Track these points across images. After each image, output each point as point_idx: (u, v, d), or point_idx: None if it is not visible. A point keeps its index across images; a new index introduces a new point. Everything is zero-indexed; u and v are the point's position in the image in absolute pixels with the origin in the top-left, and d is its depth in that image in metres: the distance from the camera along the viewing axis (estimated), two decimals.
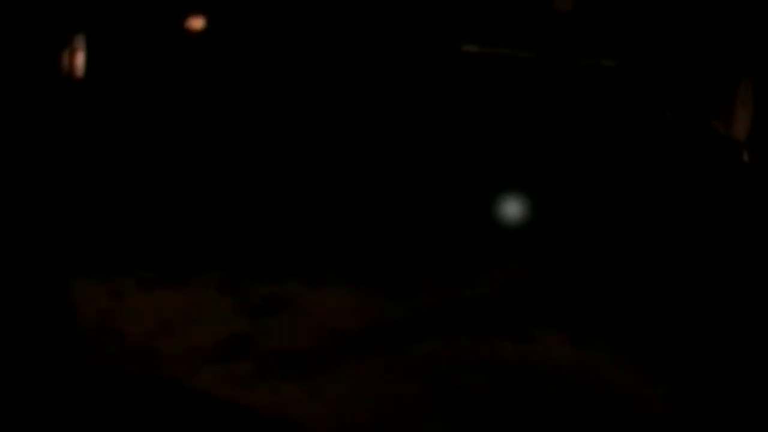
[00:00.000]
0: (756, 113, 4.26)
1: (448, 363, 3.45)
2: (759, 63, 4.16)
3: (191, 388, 3.16)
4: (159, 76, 4.76)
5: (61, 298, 2.89)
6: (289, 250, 4.27)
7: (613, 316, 3.88)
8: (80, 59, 2.93)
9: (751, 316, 3.70)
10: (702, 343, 3.64)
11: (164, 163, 4.73)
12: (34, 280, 2.81)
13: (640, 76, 5.09)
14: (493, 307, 3.91)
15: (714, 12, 4.84)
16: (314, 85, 4.99)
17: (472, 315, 3.84)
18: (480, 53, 5.17)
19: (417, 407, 3.17)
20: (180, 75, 4.81)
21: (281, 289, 3.90)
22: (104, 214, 4.25)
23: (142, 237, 4.27)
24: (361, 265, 4.18)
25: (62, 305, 2.88)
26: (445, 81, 5.14)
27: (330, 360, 3.42)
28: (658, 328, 3.79)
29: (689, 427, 3.14)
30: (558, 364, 3.48)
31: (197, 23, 4.74)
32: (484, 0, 5.17)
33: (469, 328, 3.72)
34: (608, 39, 5.13)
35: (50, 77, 2.77)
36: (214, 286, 3.89)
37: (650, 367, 3.49)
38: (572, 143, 5.05)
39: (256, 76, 4.95)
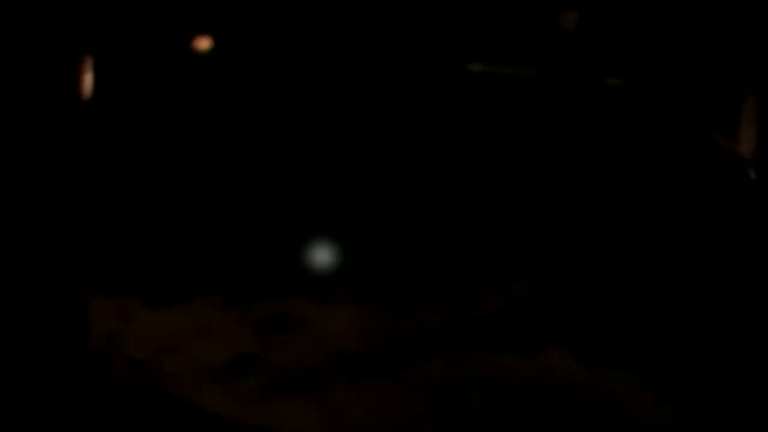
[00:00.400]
0: (760, 131, 4.26)
1: (454, 381, 3.44)
2: (761, 81, 4.17)
3: (197, 407, 3.16)
4: (165, 94, 4.78)
5: (77, 315, 2.90)
6: (293, 268, 4.27)
7: (619, 332, 3.87)
8: (88, 80, 2.96)
9: (760, 333, 3.69)
10: (711, 359, 3.62)
11: (168, 181, 4.74)
12: (52, 296, 2.82)
13: (645, 94, 5.10)
14: (498, 324, 3.91)
15: (718, 29, 4.85)
16: (319, 103, 5.01)
17: (478, 332, 3.84)
18: (485, 72, 5.18)
19: (423, 426, 3.17)
20: (185, 93, 4.84)
21: (286, 307, 3.90)
22: (108, 233, 4.26)
23: (146, 256, 4.28)
24: (366, 282, 4.18)
25: (77, 322, 2.90)
26: (450, 99, 5.16)
27: (336, 378, 3.42)
28: (665, 344, 3.78)
29: None
30: (564, 382, 3.47)
31: (204, 43, 4.77)
32: (489, 19, 5.19)
33: (474, 345, 3.72)
34: (613, 57, 5.15)
35: (64, 98, 2.79)
36: (219, 305, 3.89)
37: (658, 384, 3.48)
38: (577, 159, 5.05)
39: (262, 94, 4.97)
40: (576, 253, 4.61)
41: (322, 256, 4.34)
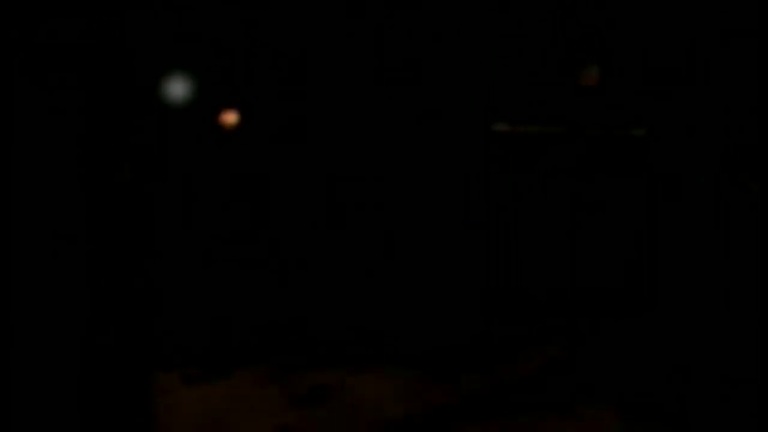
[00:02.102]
0: None
1: None
2: None
3: None
4: (194, 168, 4.84)
5: (143, 392, 2.92)
6: (329, 337, 4.29)
7: (660, 389, 3.84)
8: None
9: None
10: (753, 418, 3.59)
11: (201, 256, 4.78)
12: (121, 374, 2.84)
13: (671, 143, 5.11)
14: (536, 385, 3.89)
15: (743, 76, 4.87)
16: (350, 169, 5.05)
17: (516, 395, 3.82)
18: (509, 132, 5.22)
19: None
20: (215, 167, 4.89)
21: (324, 378, 3.91)
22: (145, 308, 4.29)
23: (182, 331, 4.31)
24: (402, 347, 4.19)
25: (144, 400, 2.91)
26: (476, 161, 5.19)
27: None
28: (707, 402, 3.74)
29: None
30: None
31: (231, 118, 4.83)
32: (513, 80, 5.24)
33: (514, 408, 3.71)
34: (636, 109, 5.17)
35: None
36: (258, 378, 3.91)
37: None
38: (607, 213, 5.05)
39: (292, 163, 5.02)
40: (610, 310, 4.60)
41: (357, 323, 4.35)
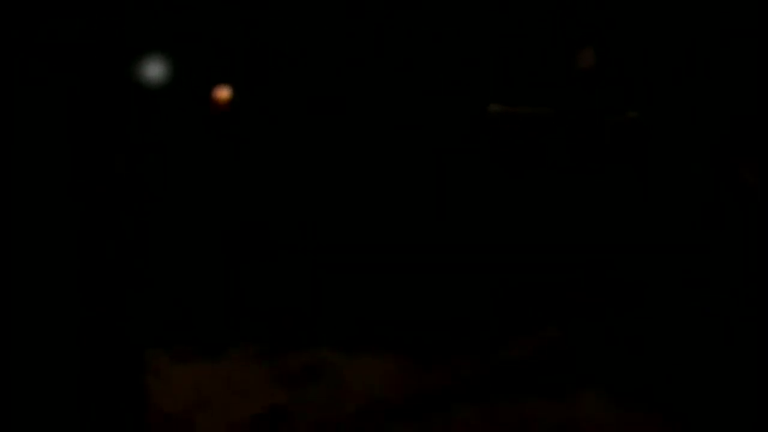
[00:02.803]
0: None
1: (487, 429, 3.42)
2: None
3: None
4: (186, 145, 4.81)
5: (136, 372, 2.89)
6: (322, 318, 4.27)
7: (654, 375, 3.85)
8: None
9: None
10: (747, 405, 3.59)
11: (193, 232, 4.76)
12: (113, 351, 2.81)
13: (666, 128, 5.10)
14: (529, 370, 3.89)
15: (740, 61, 4.86)
16: (342, 151, 5.03)
17: (509, 378, 3.82)
18: (503, 112, 5.19)
19: None
20: (208, 145, 4.86)
21: (317, 359, 3.90)
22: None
23: (173, 308, 4.28)
24: (395, 330, 4.18)
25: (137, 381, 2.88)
26: (469, 141, 5.17)
27: (367, 429, 3.40)
28: (699, 388, 3.75)
29: None
30: (599, 427, 3.45)
31: (224, 94, 4.79)
32: (508, 61, 5.21)
33: (506, 391, 3.70)
34: (633, 92, 5.15)
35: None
36: (250, 358, 3.89)
37: (692, 429, 3.45)
38: (602, 197, 5.05)
39: (284, 141, 4.99)
40: (605, 295, 4.60)
41: (349, 306, 4.34)
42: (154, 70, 4.32)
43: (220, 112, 4.76)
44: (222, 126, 4.79)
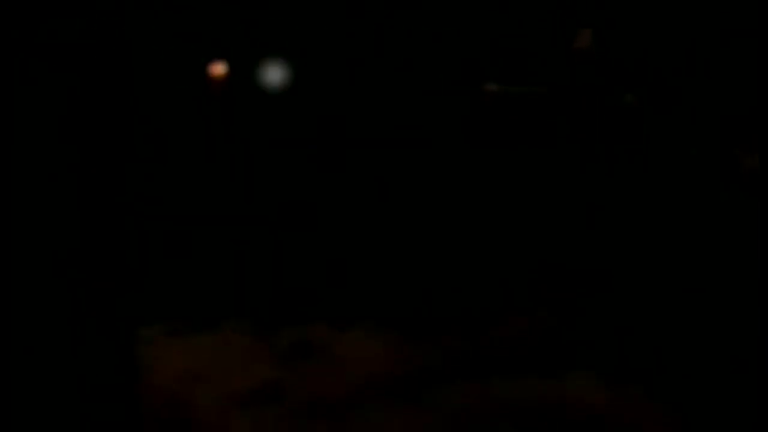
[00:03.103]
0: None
1: (479, 406, 3.44)
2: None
3: None
4: (185, 117, 4.80)
5: (127, 346, 2.90)
6: (316, 295, 4.29)
7: (644, 357, 3.87)
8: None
9: None
10: (737, 387, 3.62)
11: (188, 207, 4.76)
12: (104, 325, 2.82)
13: (662, 111, 5.10)
14: (521, 349, 3.91)
15: (736, 45, 4.86)
16: (338, 126, 5.03)
17: (501, 357, 3.84)
18: (500, 92, 5.20)
19: None
20: (206, 117, 4.86)
21: (310, 335, 3.92)
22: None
23: (168, 283, 4.30)
24: (388, 308, 4.19)
25: (128, 354, 2.90)
26: (465, 120, 5.17)
27: (360, 405, 3.42)
28: (690, 369, 3.77)
29: None
30: (589, 407, 3.47)
31: (219, 69, 4.79)
32: (503, 39, 5.20)
33: (497, 370, 3.72)
34: (629, 75, 5.16)
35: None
36: (244, 332, 3.91)
37: (682, 410, 3.47)
38: (596, 179, 5.06)
39: (276, 121, 4.99)
40: (596, 276, 4.61)
41: (344, 282, 4.35)
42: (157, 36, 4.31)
43: (217, 89, 4.76)
44: (219, 102, 4.79)
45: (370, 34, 5.06)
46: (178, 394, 3.43)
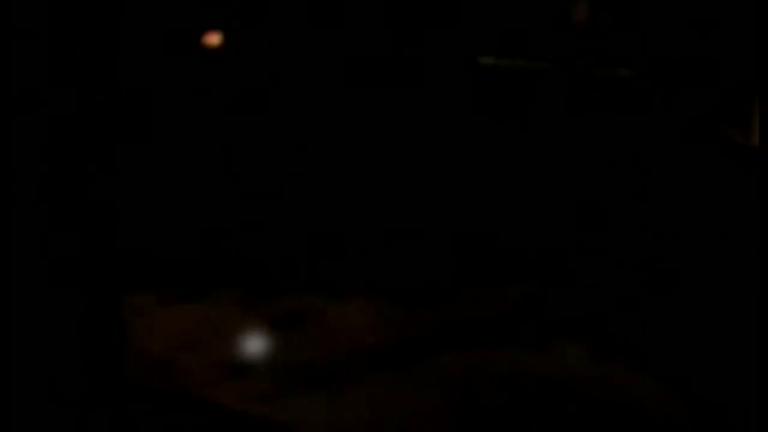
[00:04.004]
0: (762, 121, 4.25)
1: (469, 376, 3.45)
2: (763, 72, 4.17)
3: (214, 403, 3.18)
4: (176, 89, 4.80)
5: (113, 312, 2.91)
6: (308, 264, 4.29)
7: (630, 326, 3.88)
8: None
9: None
10: (721, 353, 3.63)
11: (180, 178, 4.76)
12: (89, 291, 2.83)
13: (657, 86, 5.09)
14: (511, 320, 3.92)
15: (732, 21, 4.85)
16: (332, 99, 5.02)
17: (491, 327, 3.85)
18: (495, 65, 5.19)
19: (438, 420, 3.18)
20: (198, 88, 4.85)
21: (301, 304, 3.92)
22: (120, 229, 4.28)
23: (160, 252, 4.29)
24: (379, 278, 4.20)
25: (114, 319, 2.91)
26: (461, 93, 5.16)
27: (351, 374, 3.43)
28: (676, 338, 3.79)
29: None
30: (577, 376, 3.48)
31: (214, 39, 4.77)
32: (500, 13, 5.19)
33: (487, 340, 3.73)
34: (625, 49, 5.14)
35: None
36: (234, 301, 3.91)
37: (669, 378, 3.48)
38: (588, 153, 5.05)
39: (272, 88, 4.98)
40: (587, 248, 4.62)
41: (336, 252, 4.35)
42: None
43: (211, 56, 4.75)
44: (214, 71, 4.78)
45: (367, 6, 5.04)
46: (169, 362, 3.44)
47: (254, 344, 3.62)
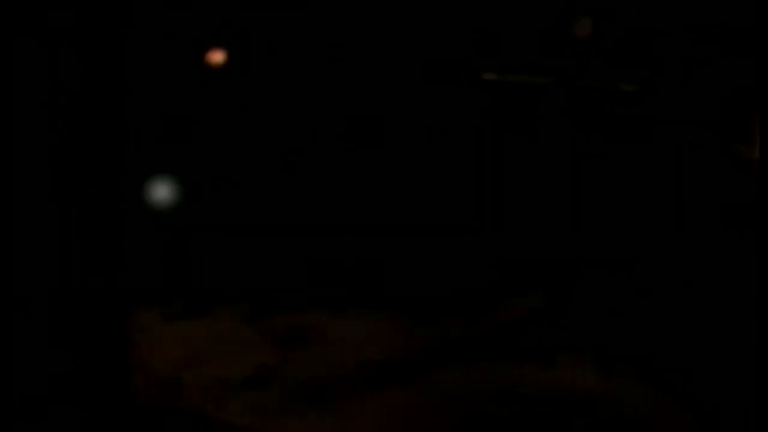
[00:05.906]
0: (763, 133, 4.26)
1: (474, 391, 3.44)
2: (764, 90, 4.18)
3: (219, 420, 3.17)
4: (182, 106, 4.81)
5: (117, 330, 2.90)
6: (312, 279, 4.29)
7: (636, 341, 3.87)
8: None
9: None
10: (730, 370, 3.62)
11: (183, 192, 4.76)
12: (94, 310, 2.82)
13: (660, 100, 5.10)
14: (517, 334, 3.91)
15: (736, 36, 4.85)
16: (334, 114, 5.03)
17: (496, 342, 3.84)
18: (499, 81, 5.19)
19: None
20: (203, 106, 4.86)
21: (304, 320, 3.92)
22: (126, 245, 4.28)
23: (164, 268, 4.30)
24: (382, 293, 4.19)
25: (118, 337, 2.90)
26: (464, 110, 5.17)
27: (355, 390, 3.42)
28: (683, 354, 3.77)
29: None
30: (583, 391, 3.47)
31: (217, 57, 4.78)
32: (504, 28, 5.20)
33: (493, 355, 3.72)
34: (628, 64, 5.15)
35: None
36: (238, 317, 3.91)
37: (676, 394, 3.47)
38: (593, 168, 5.05)
39: (278, 105, 4.99)
40: (593, 262, 4.61)
41: (340, 268, 4.35)
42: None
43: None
44: (216, 88, 4.79)
45: (370, 22, 5.05)
46: (172, 379, 3.43)
47: (259, 360, 3.61)
